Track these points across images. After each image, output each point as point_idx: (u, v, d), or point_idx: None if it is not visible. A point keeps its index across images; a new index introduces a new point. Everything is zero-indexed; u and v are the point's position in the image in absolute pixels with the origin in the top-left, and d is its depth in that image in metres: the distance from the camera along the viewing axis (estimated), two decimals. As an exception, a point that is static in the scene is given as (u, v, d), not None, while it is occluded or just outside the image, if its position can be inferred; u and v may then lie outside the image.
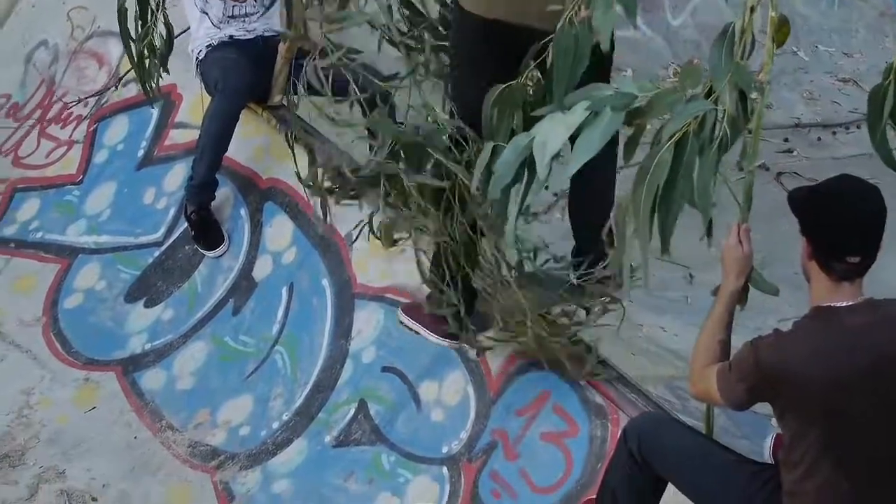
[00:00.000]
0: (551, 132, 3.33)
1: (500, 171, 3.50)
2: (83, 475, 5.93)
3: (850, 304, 3.80)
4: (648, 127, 3.67)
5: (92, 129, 7.40)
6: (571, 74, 3.42)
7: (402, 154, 4.90)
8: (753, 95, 3.57)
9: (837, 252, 3.77)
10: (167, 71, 5.77)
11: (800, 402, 3.80)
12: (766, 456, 4.48)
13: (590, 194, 4.92)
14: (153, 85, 5.81)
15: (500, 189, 3.59)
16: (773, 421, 4.40)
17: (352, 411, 5.79)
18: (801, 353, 3.77)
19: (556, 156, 3.36)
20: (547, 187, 3.71)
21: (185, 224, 6.61)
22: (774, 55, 3.67)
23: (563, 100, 3.38)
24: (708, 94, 3.43)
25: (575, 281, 5.28)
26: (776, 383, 3.80)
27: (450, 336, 5.36)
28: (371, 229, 5.45)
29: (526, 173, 3.54)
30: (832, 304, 3.81)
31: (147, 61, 5.75)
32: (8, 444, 6.10)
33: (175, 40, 5.89)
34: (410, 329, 5.51)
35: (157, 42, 5.74)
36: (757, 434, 4.70)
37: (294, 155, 5.95)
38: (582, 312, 5.20)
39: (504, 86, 3.74)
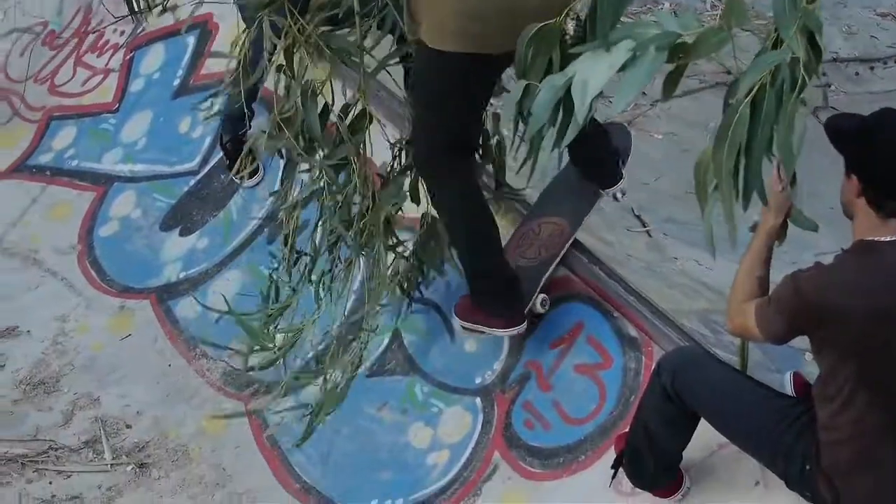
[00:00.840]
0: (593, 71, 3.27)
1: (537, 111, 3.44)
2: (117, 402, 6.01)
3: (893, 238, 3.79)
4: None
5: (128, 57, 7.39)
6: (615, 12, 3.37)
7: None
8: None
9: (890, 190, 3.76)
10: None
11: (838, 335, 3.80)
12: (789, 391, 4.48)
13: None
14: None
15: (535, 131, 3.54)
16: (807, 355, 4.39)
17: (386, 341, 5.80)
18: (842, 285, 3.78)
19: (598, 95, 3.31)
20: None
21: (221, 153, 6.61)
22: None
23: (607, 37, 3.33)
24: (775, 44, 3.36)
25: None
26: (816, 315, 3.79)
27: (511, 324, 5.24)
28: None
29: (561, 113, 3.49)
30: (876, 239, 3.80)
31: None
32: (43, 370, 6.16)
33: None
34: (473, 331, 5.35)
35: None
36: (789, 368, 4.69)
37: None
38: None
39: (541, 24, 3.68)
